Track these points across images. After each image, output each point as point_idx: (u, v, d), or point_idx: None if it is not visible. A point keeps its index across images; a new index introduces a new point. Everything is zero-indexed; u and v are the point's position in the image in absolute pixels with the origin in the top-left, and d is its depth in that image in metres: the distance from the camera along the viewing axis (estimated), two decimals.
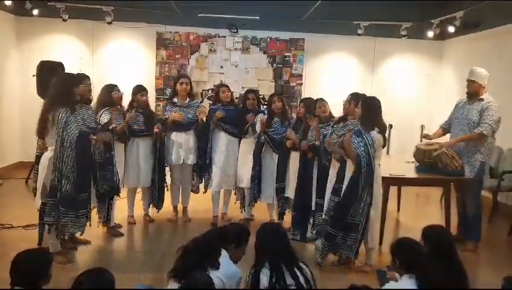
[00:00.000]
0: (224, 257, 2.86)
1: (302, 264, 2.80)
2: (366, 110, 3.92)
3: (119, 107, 4.82)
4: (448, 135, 4.99)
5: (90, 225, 4.20)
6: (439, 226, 3.15)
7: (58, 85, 3.91)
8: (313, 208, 4.60)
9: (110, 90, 4.75)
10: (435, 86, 8.35)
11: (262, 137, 4.95)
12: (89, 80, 4.32)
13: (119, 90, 4.81)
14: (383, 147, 4.02)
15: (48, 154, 3.85)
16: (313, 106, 4.71)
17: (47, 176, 3.81)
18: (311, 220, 4.69)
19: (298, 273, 2.70)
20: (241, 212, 5.29)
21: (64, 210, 3.79)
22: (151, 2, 7.55)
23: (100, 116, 4.53)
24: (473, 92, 4.63)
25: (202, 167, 5.17)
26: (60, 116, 3.74)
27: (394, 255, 2.79)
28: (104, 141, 4.26)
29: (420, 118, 8.00)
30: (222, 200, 5.35)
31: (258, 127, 5.02)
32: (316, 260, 3.99)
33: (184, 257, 2.79)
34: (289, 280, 2.66)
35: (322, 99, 4.66)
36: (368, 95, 4.27)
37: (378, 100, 4.00)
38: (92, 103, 4.42)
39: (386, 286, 2.85)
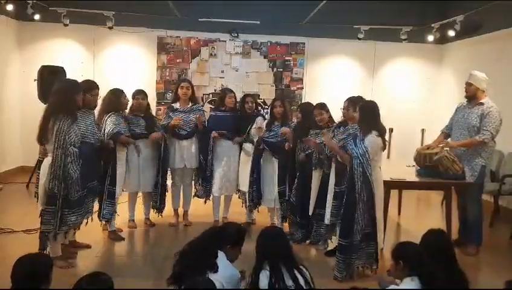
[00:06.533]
0: (221, 259, 2.86)
1: (302, 267, 2.82)
2: (364, 115, 3.94)
3: (121, 112, 4.81)
4: (449, 139, 5.00)
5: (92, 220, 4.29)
6: (438, 231, 3.13)
7: (59, 93, 3.88)
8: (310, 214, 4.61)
9: (119, 95, 4.74)
10: (435, 89, 8.36)
11: (261, 145, 4.96)
12: (98, 89, 4.27)
13: (125, 96, 4.82)
14: (383, 149, 4.03)
15: (48, 161, 3.83)
16: (311, 111, 4.73)
17: (46, 183, 3.80)
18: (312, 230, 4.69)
19: (298, 275, 2.71)
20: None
21: (70, 211, 3.80)
22: (151, 7, 7.58)
23: (105, 121, 4.53)
24: (471, 95, 4.65)
25: (205, 177, 5.16)
26: (61, 124, 3.72)
27: (398, 257, 2.78)
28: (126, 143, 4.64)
29: (421, 121, 8.01)
30: (223, 204, 5.35)
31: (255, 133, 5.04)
32: (335, 276, 3.89)
33: (182, 261, 2.79)
34: (289, 282, 2.68)
35: (320, 106, 4.66)
36: (368, 99, 4.28)
37: (376, 104, 4.01)
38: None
39: (390, 287, 2.84)
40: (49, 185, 3.74)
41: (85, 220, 4.19)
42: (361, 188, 3.79)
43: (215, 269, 2.73)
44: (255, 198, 5.05)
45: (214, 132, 5.06)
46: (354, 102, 4.22)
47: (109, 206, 4.61)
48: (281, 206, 4.98)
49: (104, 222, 4.74)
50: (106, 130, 4.49)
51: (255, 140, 5.03)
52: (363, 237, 3.86)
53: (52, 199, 3.76)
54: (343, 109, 4.36)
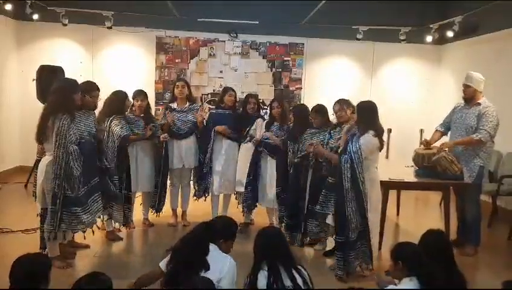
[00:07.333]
0: (214, 251, 2.86)
1: (300, 267, 2.82)
2: (363, 114, 3.96)
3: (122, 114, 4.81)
4: (445, 138, 5.00)
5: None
6: (437, 232, 3.14)
7: (57, 92, 3.87)
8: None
9: (123, 98, 4.74)
10: (434, 90, 8.37)
11: (261, 148, 4.96)
12: (98, 91, 4.25)
13: (129, 99, 4.83)
14: (380, 150, 4.04)
15: (46, 160, 3.83)
16: (304, 113, 4.76)
17: (45, 182, 3.79)
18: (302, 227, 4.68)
19: (296, 275, 2.71)
20: (243, 215, 5.28)
21: (69, 210, 3.77)
22: (150, 7, 7.58)
23: (110, 123, 4.54)
24: (469, 96, 4.66)
25: (201, 176, 5.15)
26: (61, 123, 3.71)
27: (397, 258, 2.79)
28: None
29: (419, 122, 8.00)
30: (221, 204, 5.35)
31: (257, 132, 5.03)
32: (336, 274, 3.92)
33: (175, 258, 2.80)
34: (287, 282, 2.68)
35: (315, 109, 4.64)
36: (366, 99, 4.29)
37: (374, 104, 4.03)
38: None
39: (389, 287, 2.84)
40: (51, 185, 3.74)
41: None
42: (349, 184, 3.81)
43: (206, 267, 2.73)
44: (249, 199, 5.06)
45: (225, 126, 5.02)
46: (346, 102, 4.31)
47: (127, 211, 4.70)
48: (279, 207, 4.95)
49: (106, 222, 4.73)
50: (115, 134, 4.54)
51: (254, 139, 5.03)
52: (357, 236, 3.87)
53: (54, 198, 3.75)
54: (334, 113, 4.40)
